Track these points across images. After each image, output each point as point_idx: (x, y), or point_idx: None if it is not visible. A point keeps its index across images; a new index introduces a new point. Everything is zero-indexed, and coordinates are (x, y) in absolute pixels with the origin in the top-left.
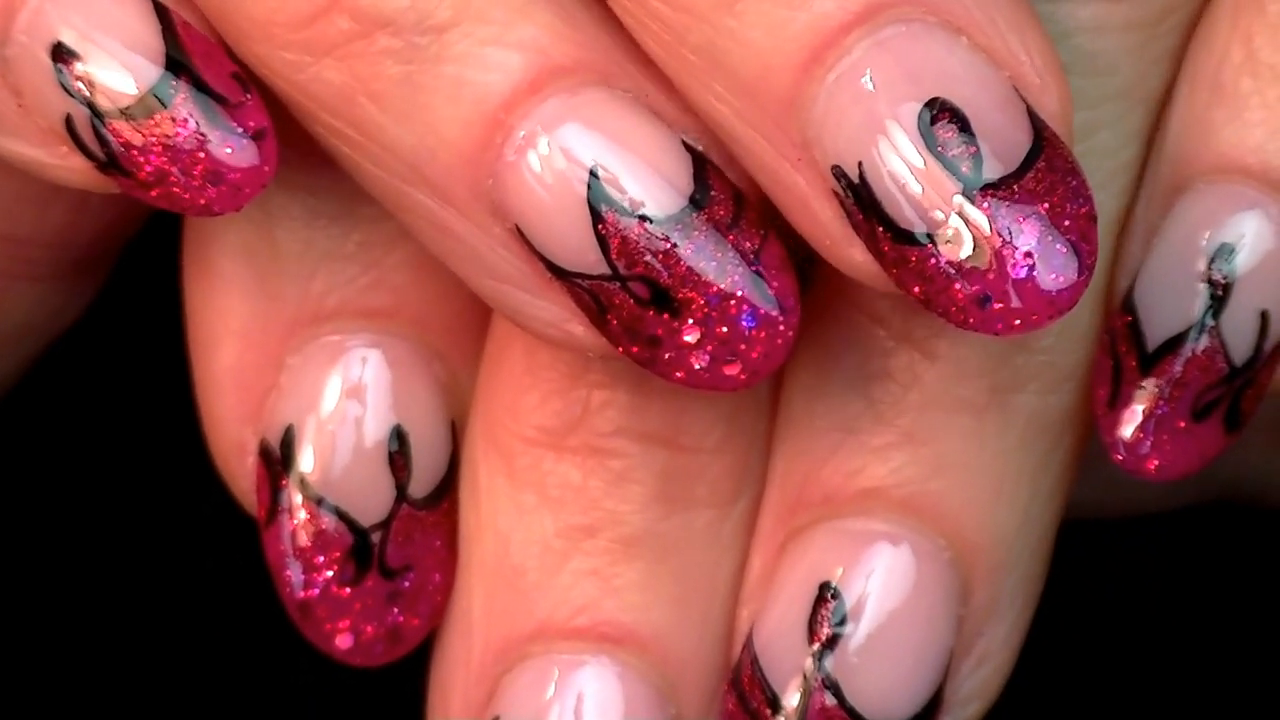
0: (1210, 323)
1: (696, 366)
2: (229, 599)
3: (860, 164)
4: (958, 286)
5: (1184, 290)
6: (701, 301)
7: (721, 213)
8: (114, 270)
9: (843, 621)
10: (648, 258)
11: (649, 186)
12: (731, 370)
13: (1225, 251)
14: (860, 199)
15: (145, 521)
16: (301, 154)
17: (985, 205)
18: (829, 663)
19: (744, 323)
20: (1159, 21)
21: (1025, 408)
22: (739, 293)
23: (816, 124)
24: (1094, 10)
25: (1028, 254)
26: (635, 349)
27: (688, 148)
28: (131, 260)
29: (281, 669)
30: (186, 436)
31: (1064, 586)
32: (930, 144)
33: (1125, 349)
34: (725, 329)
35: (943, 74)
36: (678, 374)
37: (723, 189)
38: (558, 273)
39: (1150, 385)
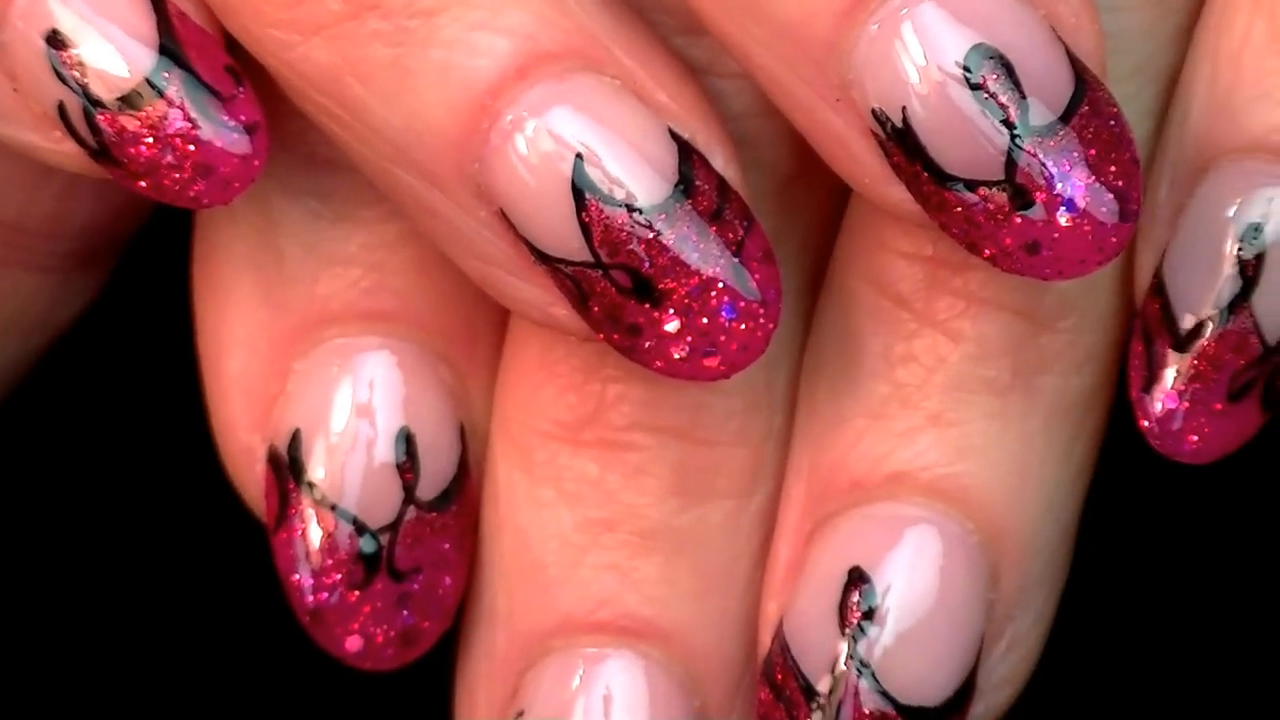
0: (1242, 302)
1: (676, 356)
2: (245, 603)
3: (904, 109)
4: (1005, 233)
5: (1213, 271)
6: (683, 292)
7: (706, 203)
8: (130, 273)
9: (873, 606)
10: (630, 246)
11: (634, 173)
12: (710, 362)
13: (1254, 230)
14: (904, 143)
15: (158, 526)
16: (302, 157)
17: (1033, 151)
18: (862, 648)
19: (724, 314)
20: None
21: (1049, 389)
22: (721, 283)
23: (858, 67)
24: None
25: (1075, 201)
26: (616, 336)
27: (674, 136)
28: (147, 263)
29: (298, 672)
30: (200, 442)
31: (1075, 581)
32: (976, 89)
33: (1157, 331)
34: (705, 320)
35: (984, 17)
36: (657, 363)
37: (708, 179)
38: (541, 257)
39: (1184, 367)
